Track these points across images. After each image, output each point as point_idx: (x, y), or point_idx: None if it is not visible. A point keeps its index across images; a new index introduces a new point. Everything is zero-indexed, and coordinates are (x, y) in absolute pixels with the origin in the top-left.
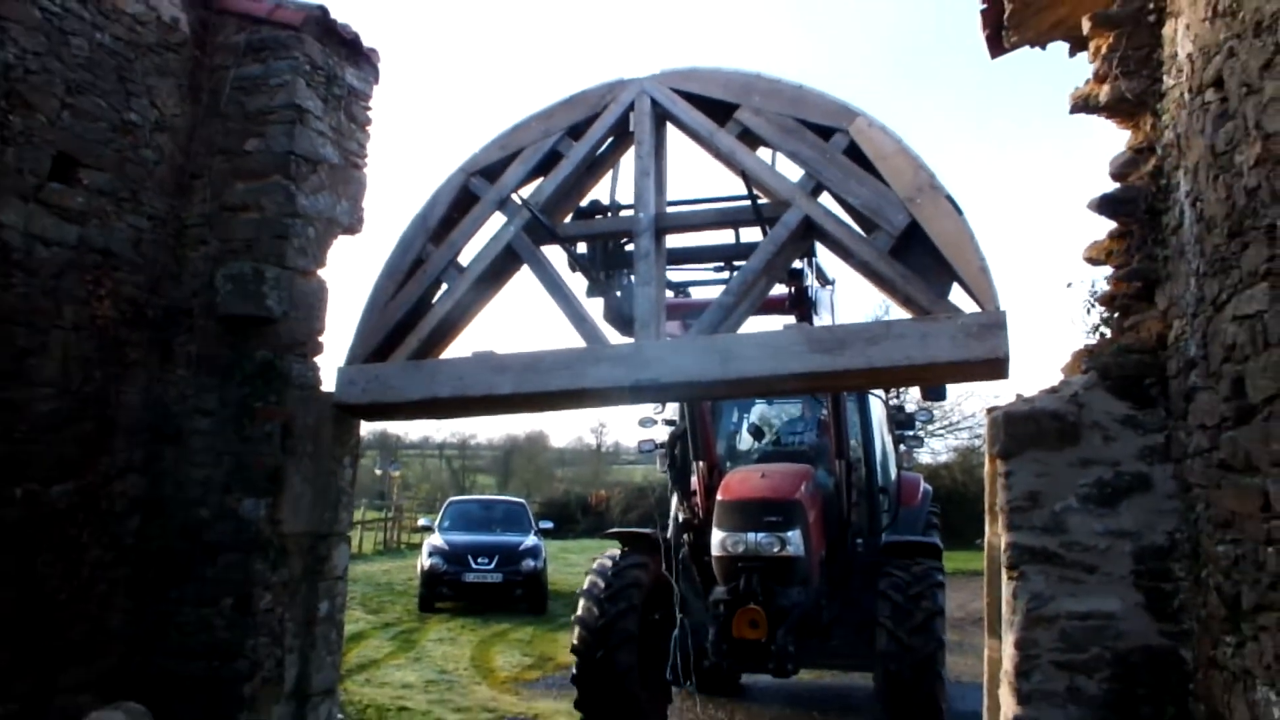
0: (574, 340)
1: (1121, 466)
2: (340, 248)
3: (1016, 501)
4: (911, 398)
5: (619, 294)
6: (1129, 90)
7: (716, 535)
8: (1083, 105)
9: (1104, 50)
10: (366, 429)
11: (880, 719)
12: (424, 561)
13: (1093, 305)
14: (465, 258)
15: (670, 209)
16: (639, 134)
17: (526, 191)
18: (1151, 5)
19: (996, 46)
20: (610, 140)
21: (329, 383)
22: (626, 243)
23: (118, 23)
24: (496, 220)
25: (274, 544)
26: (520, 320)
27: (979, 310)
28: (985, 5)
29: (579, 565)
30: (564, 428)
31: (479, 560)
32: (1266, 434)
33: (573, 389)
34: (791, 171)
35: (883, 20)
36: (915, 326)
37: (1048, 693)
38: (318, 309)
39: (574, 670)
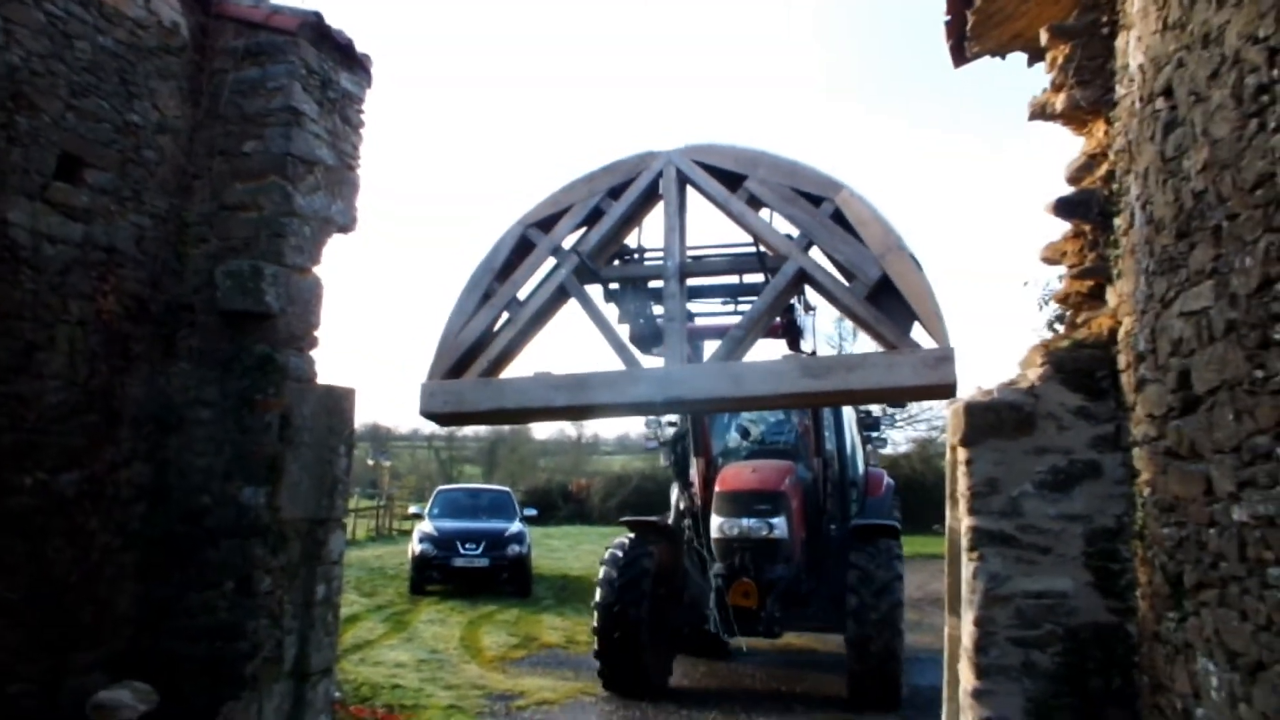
0: (613, 362)
1: (1074, 454)
2: (335, 246)
3: (977, 487)
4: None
5: (642, 321)
6: (1083, 99)
7: (715, 520)
8: (1040, 113)
9: (1060, 60)
10: (358, 421)
11: (846, 674)
12: (415, 547)
13: (1046, 303)
14: (523, 293)
15: (691, 252)
16: (667, 197)
17: (574, 239)
18: (1105, 18)
19: (959, 56)
20: (642, 200)
21: (324, 375)
22: (650, 282)
23: (120, 26)
24: (549, 263)
25: (273, 529)
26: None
27: (934, 346)
28: (949, 17)
29: (561, 550)
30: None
31: (467, 546)
32: (1210, 423)
33: (615, 403)
34: (788, 228)
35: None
36: (884, 358)
37: (1004, 667)
38: (313, 305)
39: (595, 648)
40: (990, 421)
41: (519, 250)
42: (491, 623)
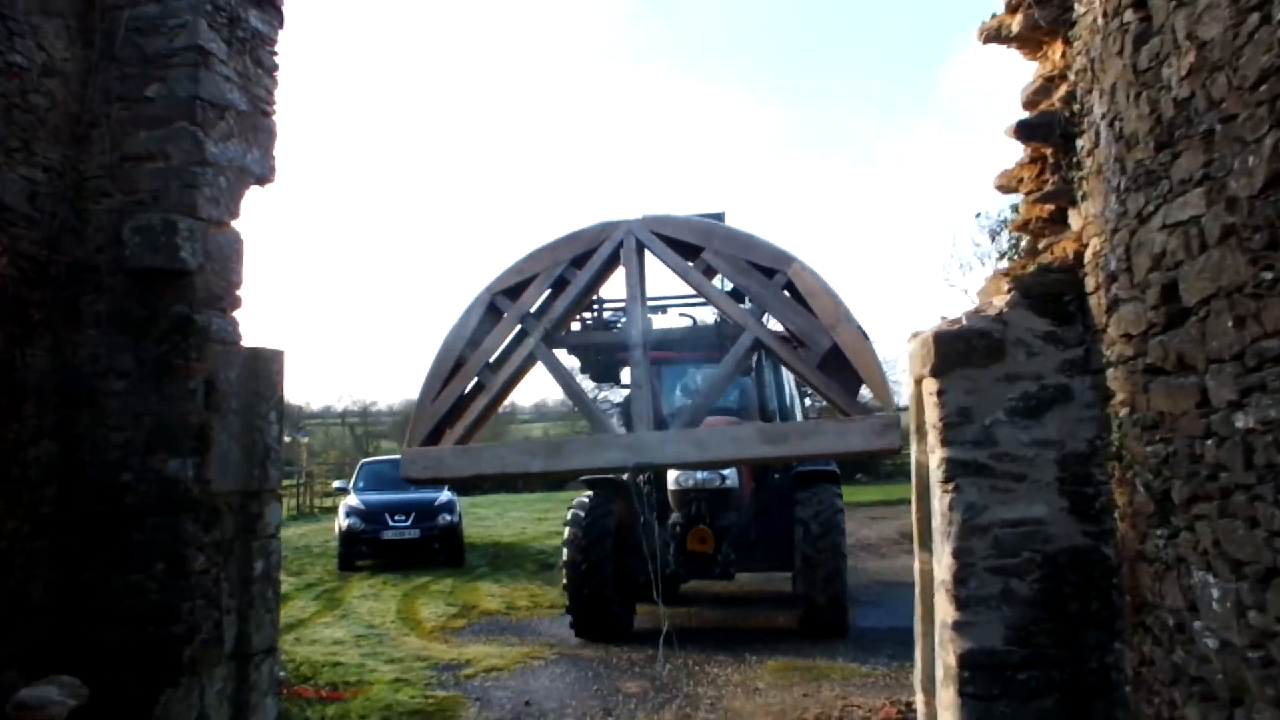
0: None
1: (1045, 380)
2: (253, 199)
3: (949, 418)
4: None
5: (600, 356)
6: (1042, 18)
7: (671, 474)
8: (995, 36)
9: None
10: None
11: (793, 609)
12: (341, 522)
13: (998, 233)
14: (494, 359)
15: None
16: (628, 268)
17: (539, 303)
18: None
19: None
20: (604, 268)
21: (249, 337)
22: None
23: None
24: (516, 329)
25: (204, 504)
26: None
27: (882, 413)
28: None
29: (490, 519)
30: None
31: (396, 518)
32: (1203, 333)
33: (588, 468)
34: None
35: None
36: (836, 425)
37: (983, 597)
38: (234, 261)
39: (567, 602)
40: (960, 350)
41: (488, 317)
42: (427, 594)
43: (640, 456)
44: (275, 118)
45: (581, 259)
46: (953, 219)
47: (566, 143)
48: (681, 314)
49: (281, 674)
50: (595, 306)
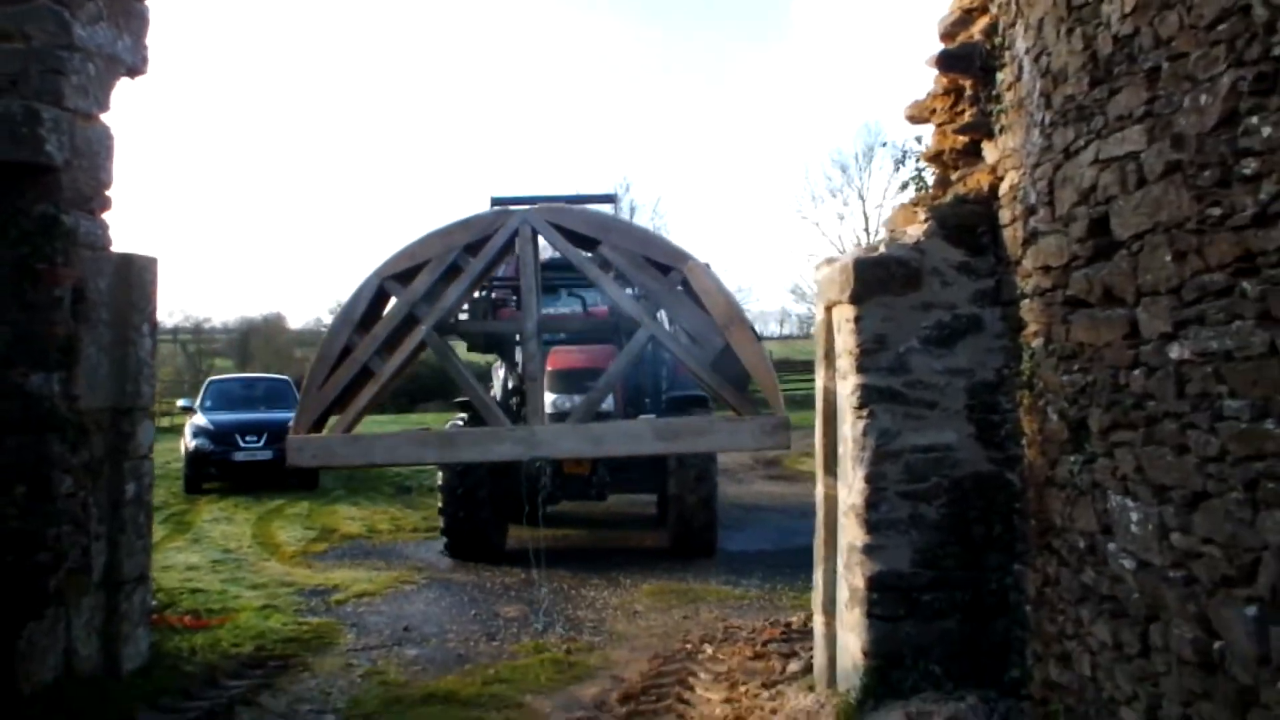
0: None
1: (958, 309)
2: (124, 91)
3: (866, 345)
4: None
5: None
6: None
7: (549, 397)
8: None
9: None
10: None
11: (660, 531)
12: (188, 443)
13: (903, 163)
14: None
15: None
16: (524, 256)
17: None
18: None
19: None
20: (497, 257)
21: (120, 242)
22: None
23: None
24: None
25: (72, 422)
26: None
27: (771, 414)
28: None
29: None
30: (301, 308)
31: (248, 439)
32: (1135, 266)
33: (483, 459)
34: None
35: None
36: (728, 425)
37: (894, 521)
38: (104, 159)
39: (441, 525)
40: (879, 277)
41: (377, 301)
42: (282, 517)
43: (535, 450)
44: (148, 3)
45: (475, 246)
46: (805, 150)
47: (428, 66)
48: (571, 294)
49: (154, 602)
50: (485, 285)
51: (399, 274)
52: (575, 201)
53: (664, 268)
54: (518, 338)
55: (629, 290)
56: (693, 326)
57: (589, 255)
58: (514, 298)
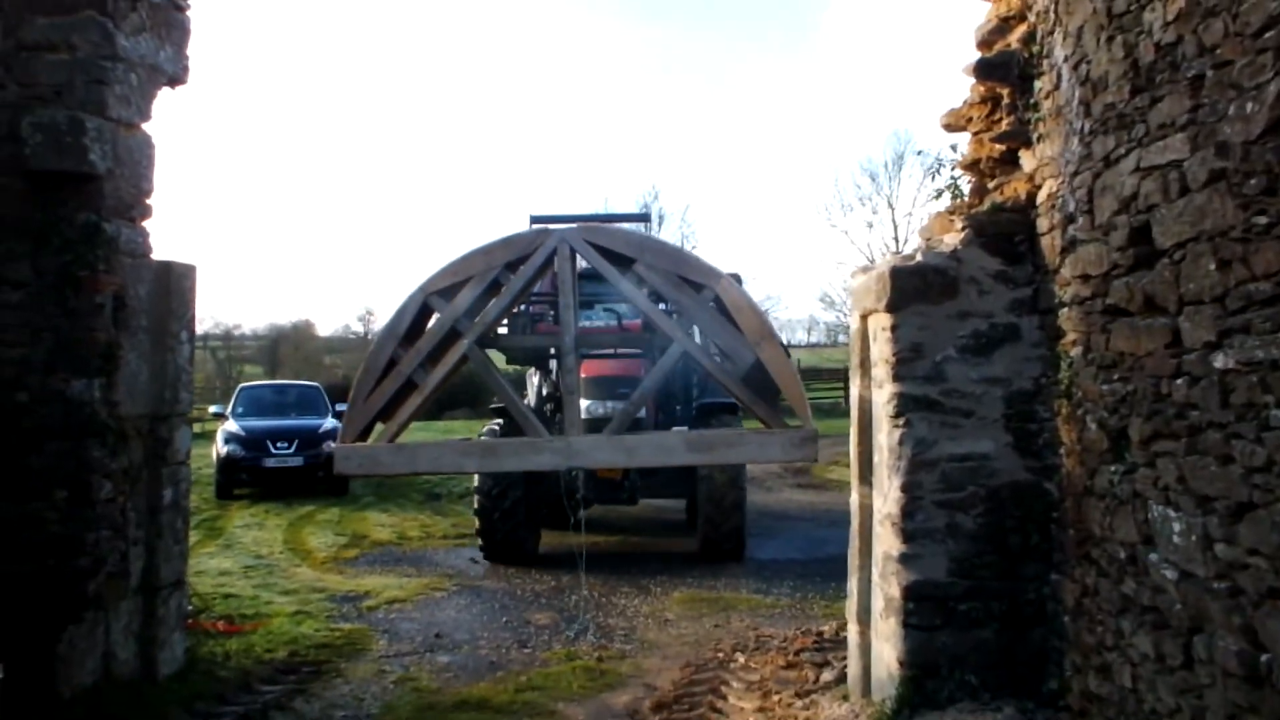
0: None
1: (994, 318)
2: (165, 101)
3: (902, 353)
4: None
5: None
6: None
7: (584, 403)
8: None
9: None
10: None
11: (690, 536)
12: (220, 449)
13: (937, 171)
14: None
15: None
16: (562, 274)
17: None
18: None
19: None
20: (536, 275)
21: (160, 250)
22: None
23: None
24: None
25: (111, 428)
26: None
27: (801, 426)
28: None
29: None
30: (331, 315)
31: (279, 445)
32: (1178, 275)
33: (522, 469)
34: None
35: None
36: (758, 437)
37: (930, 530)
38: (145, 167)
39: (477, 527)
40: (916, 285)
41: (421, 316)
42: (314, 524)
43: (572, 460)
44: (189, 13)
45: (515, 264)
46: (834, 158)
47: (444, 70)
48: (606, 309)
49: (190, 607)
50: (524, 300)
51: (442, 290)
52: (611, 220)
53: (697, 285)
54: (553, 350)
55: (662, 305)
56: (725, 342)
57: (624, 272)
58: (551, 312)
